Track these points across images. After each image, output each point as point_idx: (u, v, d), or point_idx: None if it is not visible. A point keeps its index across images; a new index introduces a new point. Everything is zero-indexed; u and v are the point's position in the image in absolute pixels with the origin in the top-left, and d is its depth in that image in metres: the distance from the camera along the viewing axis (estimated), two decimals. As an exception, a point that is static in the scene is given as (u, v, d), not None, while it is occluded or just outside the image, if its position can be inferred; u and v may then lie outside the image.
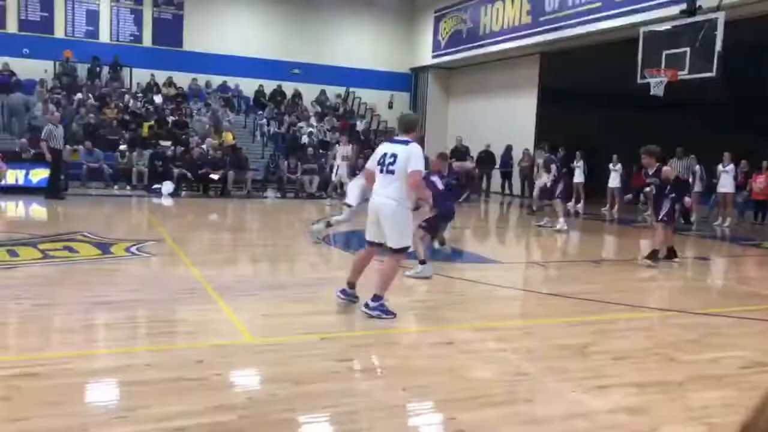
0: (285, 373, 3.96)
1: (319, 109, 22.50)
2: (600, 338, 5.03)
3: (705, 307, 6.31)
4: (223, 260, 8.08)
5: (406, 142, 5.25)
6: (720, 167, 14.45)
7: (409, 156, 5.11)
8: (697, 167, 14.59)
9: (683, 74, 11.98)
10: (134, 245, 8.33)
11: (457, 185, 9.77)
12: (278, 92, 22.47)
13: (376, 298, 5.27)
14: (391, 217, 5.18)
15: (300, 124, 20.95)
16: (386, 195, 5.18)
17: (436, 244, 8.17)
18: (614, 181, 16.64)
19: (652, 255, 8.58)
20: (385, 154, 5.26)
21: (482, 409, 3.55)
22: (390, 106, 24.04)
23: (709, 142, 16.58)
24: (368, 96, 23.60)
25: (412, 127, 5.38)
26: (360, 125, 22.36)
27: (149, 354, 4.28)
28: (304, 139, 20.17)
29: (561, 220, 11.69)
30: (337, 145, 16.67)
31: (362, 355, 4.46)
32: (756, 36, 15.80)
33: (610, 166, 16.73)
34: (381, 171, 5.25)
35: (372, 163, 5.41)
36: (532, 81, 19.59)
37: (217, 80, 22.09)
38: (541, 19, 17.50)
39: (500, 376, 4.09)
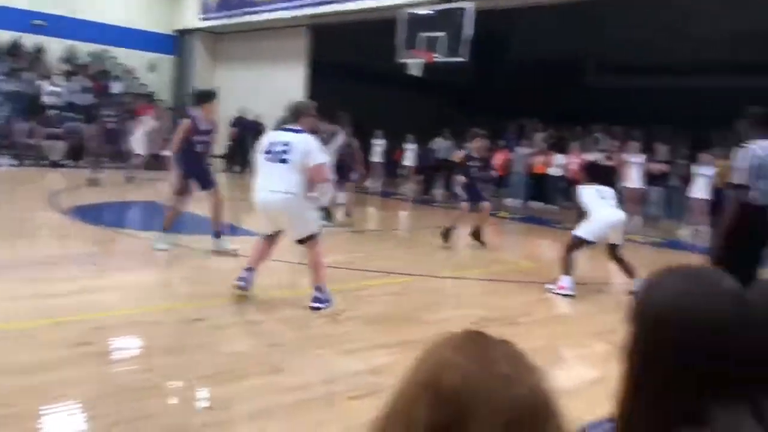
0: (9, 363, 3.50)
1: (67, 67, 20.18)
2: (354, 304, 5.26)
3: (447, 272, 6.94)
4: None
5: (298, 131, 4.94)
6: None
7: (308, 147, 4.83)
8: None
9: (438, 57, 12.89)
10: None
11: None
12: (16, 45, 19.66)
13: (320, 289, 5.00)
14: (291, 212, 4.87)
15: (42, 83, 18.61)
16: (280, 189, 4.78)
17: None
18: (377, 155, 17.51)
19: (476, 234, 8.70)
20: (274, 143, 4.89)
21: (233, 383, 3.50)
22: (151, 69, 22.44)
23: (462, 122, 18.17)
24: (126, 56, 21.71)
25: (303, 115, 5.04)
26: (116, 87, 20.56)
27: None
28: (48, 99, 17.98)
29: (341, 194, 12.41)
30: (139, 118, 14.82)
31: (102, 338, 4.10)
32: (502, 26, 17.65)
33: (374, 141, 17.54)
34: (269, 160, 4.85)
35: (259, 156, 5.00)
36: (301, 53, 19.67)
37: (-66, 26, 18.65)
38: (309, -9, 17.60)
39: (253, 348, 4.07)
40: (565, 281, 6.05)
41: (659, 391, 0.92)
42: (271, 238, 5.20)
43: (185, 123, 6.67)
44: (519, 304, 5.73)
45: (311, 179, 4.92)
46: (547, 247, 10.13)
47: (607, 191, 6.34)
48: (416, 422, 0.78)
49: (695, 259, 7.30)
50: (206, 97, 6.84)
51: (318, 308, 4.94)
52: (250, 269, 5.08)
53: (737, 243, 4.27)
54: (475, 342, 0.85)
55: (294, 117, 5.10)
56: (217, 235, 6.88)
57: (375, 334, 4.53)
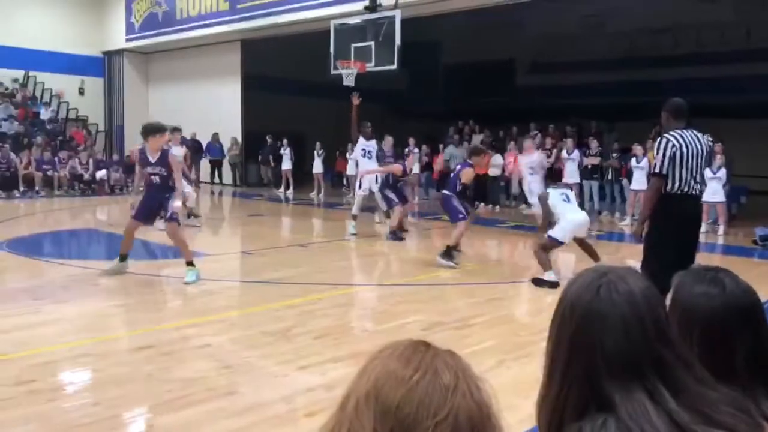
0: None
1: (-9, 95, 19.40)
2: (303, 320, 5.23)
3: (395, 279, 6.99)
4: None
5: None
6: (407, 150, 16.09)
7: None
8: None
9: (370, 66, 12.99)
10: None
11: None
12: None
13: None
14: None
15: (-34, 113, 17.86)
16: None
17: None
18: (319, 166, 17.47)
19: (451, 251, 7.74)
20: None
21: (182, 410, 3.44)
22: (81, 92, 21.82)
23: (398, 128, 18.34)
24: (54, 81, 21.02)
25: None
26: (45, 114, 19.89)
27: None
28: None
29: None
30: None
31: (46, 374, 3.96)
32: (430, 33, 17.91)
33: (315, 152, 17.51)
34: None
35: None
36: (235, 68, 19.53)
37: None
38: (239, 6, 17.48)
39: (203, 373, 4.00)
40: (548, 275, 6.49)
41: (562, 378, 0.99)
42: None
43: (133, 153, 6.47)
44: (467, 306, 5.83)
45: None
46: (493, 248, 10.32)
47: (569, 192, 6.92)
48: None
49: (634, 250, 7.59)
50: (149, 130, 6.60)
51: None
52: None
53: (661, 231, 4.45)
54: (419, 352, 0.84)
55: None
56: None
57: (327, 348, 4.52)
